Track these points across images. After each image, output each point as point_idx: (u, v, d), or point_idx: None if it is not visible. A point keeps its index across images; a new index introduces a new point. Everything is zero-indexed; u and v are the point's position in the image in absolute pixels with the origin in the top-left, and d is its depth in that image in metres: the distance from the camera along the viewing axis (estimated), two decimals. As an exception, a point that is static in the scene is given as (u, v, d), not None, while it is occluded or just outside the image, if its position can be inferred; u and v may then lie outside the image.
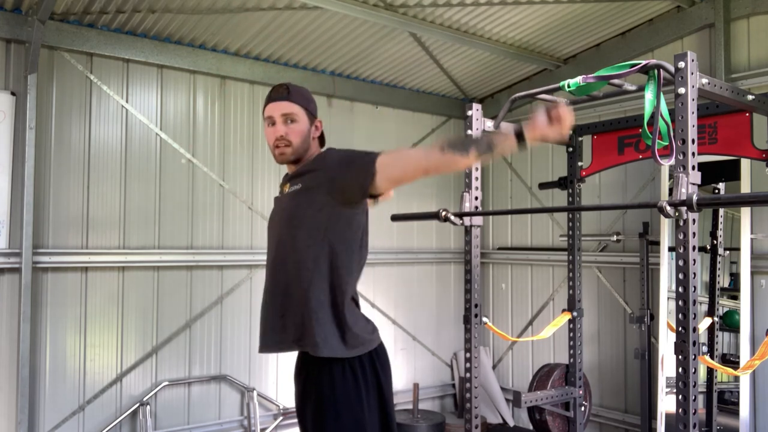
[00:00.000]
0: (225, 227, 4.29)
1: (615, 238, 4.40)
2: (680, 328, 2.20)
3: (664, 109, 2.12)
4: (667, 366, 3.58)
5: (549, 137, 1.79)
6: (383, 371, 2.03)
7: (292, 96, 2.05)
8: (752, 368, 2.53)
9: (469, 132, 3.02)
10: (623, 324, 4.43)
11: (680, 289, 2.21)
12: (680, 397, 2.20)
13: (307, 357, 2.02)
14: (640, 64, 2.18)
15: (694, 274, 2.18)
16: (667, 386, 3.58)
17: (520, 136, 1.78)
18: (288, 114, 2.04)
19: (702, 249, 3.60)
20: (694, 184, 2.13)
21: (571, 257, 3.86)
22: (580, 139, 3.85)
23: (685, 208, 2.10)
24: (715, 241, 3.64)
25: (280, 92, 2.07)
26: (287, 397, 4.46)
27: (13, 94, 3.53)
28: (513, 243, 5.32)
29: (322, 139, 2.19)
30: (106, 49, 3.81)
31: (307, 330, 1.95)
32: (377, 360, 2.01)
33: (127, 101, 3.95)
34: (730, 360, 3.56)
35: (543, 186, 4.24)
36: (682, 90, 2.18)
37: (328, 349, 1.93)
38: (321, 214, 1.95)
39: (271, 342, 2.07)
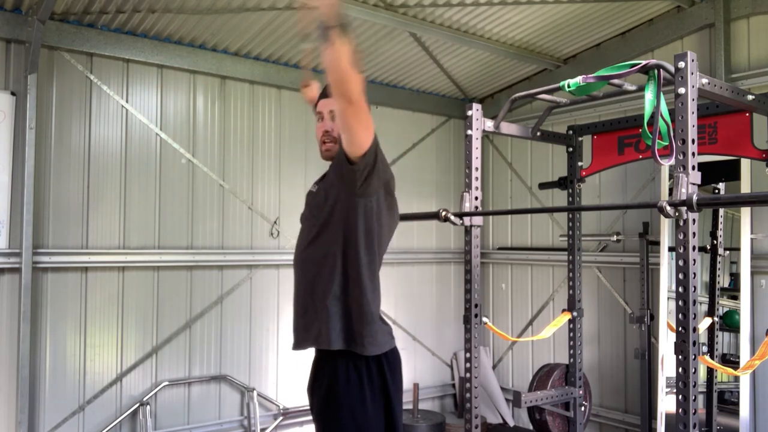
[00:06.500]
0: (225, 227, 4.29)
1: (615, 238, 4.40)
2: (680, 328, 2.20)
3: (664, 109, 2.12)
4: (667, 366, 3.58)
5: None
6: (392, 377, 2.01)
7: None
8: (752, 368, 2.53)
9: None
10: (623, 324, 4.43)
11: (680, 289, 2.20)
12: (680, 397, 2.20)
13: (318, 353, 2.04)
14: (640, 64, 2.18)
15: (694, 274, 2.18)
16: (667, 386, 3.58)
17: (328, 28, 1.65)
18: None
19: (702, 249, 3.60)
20: (694, 184, 2.13)
21: (571, 257, 3.86)
22: (580, 139, 3.85)
23: (685, 208, 2.10)
24: (715, 241, 3.64)
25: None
26: (287, 397, 4.46)
27: (13, 94, 3.53)
28: (513, 243, 5.32)
29: None
30: (106, 49, 3.81)
31: (319, 324, 1.96)
32: (386, 365, 2.00)
33: (127, 101, 3.95)
34: (730, 360, 3.56)
35: (543, 186, 4.24)
36: (682, 90, 2.18)
37: (334, 342, 1.93)
38: (333, 209, 1.96)
39: (296, 340, 2.08)
